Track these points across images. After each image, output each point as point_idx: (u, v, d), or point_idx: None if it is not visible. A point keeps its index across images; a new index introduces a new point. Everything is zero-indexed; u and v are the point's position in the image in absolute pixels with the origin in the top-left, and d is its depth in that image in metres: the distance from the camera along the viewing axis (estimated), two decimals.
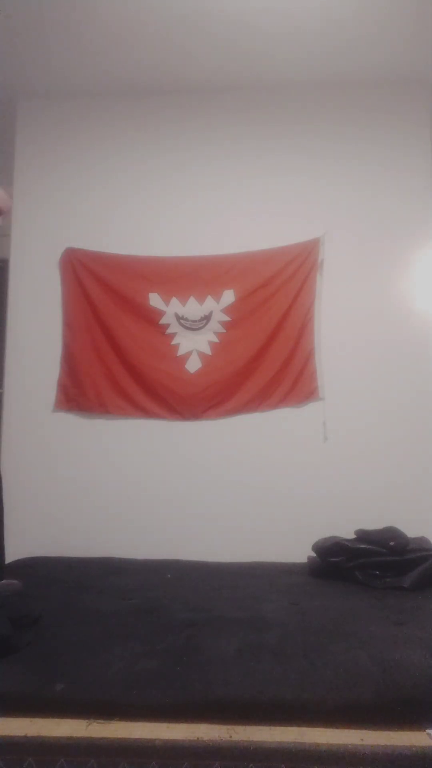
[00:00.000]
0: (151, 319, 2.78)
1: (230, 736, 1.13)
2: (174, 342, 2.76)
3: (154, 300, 2.78)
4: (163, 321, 2.77)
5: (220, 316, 2.77)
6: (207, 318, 2.77)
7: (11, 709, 1.20)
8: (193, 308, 2.77)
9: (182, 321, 2.78)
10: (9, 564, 2.30)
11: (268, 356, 2.73)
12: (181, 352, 2.76)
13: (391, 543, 2.07)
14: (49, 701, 1.21)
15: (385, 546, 2.07)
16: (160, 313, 2.77)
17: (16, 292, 2.88)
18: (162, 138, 2.91)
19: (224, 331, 2.76)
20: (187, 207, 2.84)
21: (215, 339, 2.76)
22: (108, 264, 2.82)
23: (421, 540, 2.17)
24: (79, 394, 2.77)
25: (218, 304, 2.77)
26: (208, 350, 2.75)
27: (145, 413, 2.73)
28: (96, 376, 2.77)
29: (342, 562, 2.09)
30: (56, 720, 1.18)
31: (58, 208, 2.90)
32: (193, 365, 2.75)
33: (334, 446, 2.65)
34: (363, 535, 2.16)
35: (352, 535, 2.19)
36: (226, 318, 2.76)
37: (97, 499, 2.70)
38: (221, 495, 2.66)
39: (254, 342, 2.73)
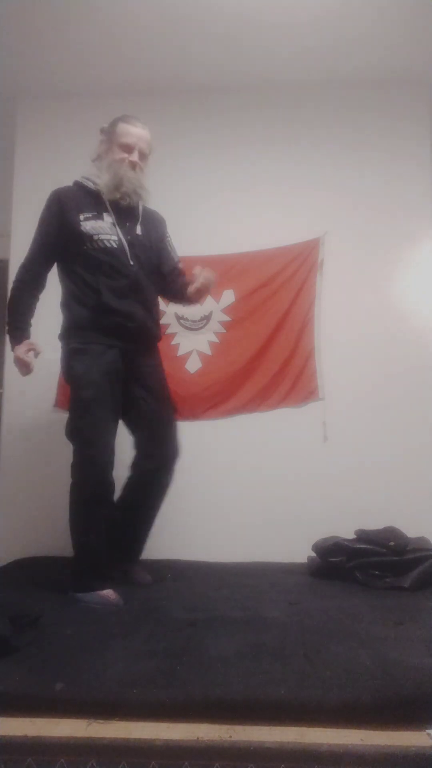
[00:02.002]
0: None
1: (230, 736, 1.13)
2: (174, 342, 2.76)
3: None
4: (162, 321, 2.76)
5: (220, 316, 2.77)
6: (207, 318, 2.77)
7: (11, 709, 1.19)
8: (192, 308, 2.77)
9: (182, 321, 2.78)
10: (8, 564, 2.30)
11: (268, 356, 2.73)
12: (181, 352, 2.76)
13: (391, 543, 2.07)
14: (49, 701, 1.21)
15: (385, 546, 2.07)
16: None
17: None
18: (161, 138, 2.89)
19: (224, 331, 2.76)
20: (187, 207, 2.84)
21: (215, 339, 2.76)
22: None
23: (421, 540, 2.17)
24: None
25: (218, 304, 2.77)
26: (208, 350, 2.76)
27: None
28: None
29: (342, 562, 2.09)
30: (56, 720, 1.17)
31: None
32: (193, 365, 2.75)
33: (334, 446, 2.65)
34: (363, 535, 2.16)
35: (352, 535, 2.19)
36: (226, 318, 2.76)
37: None
38: (221, 495, 2.66)
39: (254, 342, 2.73)
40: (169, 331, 2.77)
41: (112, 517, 1.95)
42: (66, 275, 2.08)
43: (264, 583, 2.03)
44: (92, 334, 2.00)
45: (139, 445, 2.09)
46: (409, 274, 2.75)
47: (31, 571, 2.20)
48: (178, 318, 2.77)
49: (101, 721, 1.17)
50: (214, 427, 2.73)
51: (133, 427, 2.11)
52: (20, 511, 2.72)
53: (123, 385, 2.02)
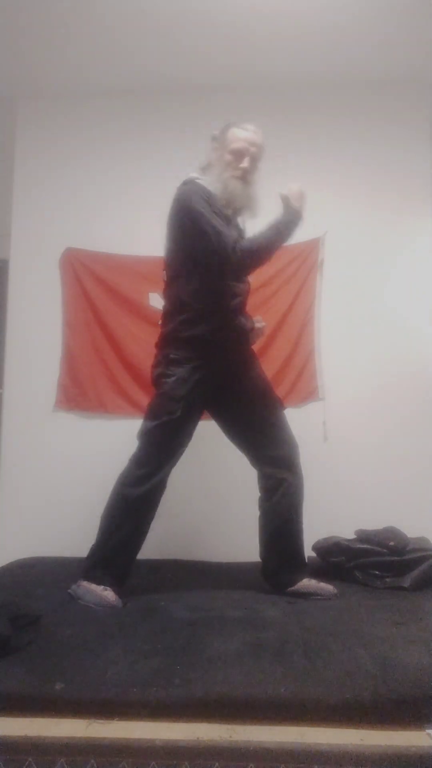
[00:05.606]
0: (151, 319, 2.77)
1: (230, 736, 1.13)
2: None
3: (154, 300, 2.77)
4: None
5: None
6: None
7: (11, 709, 1.20)
8: None
9: None
10: (8, 564, 2.30)
11: (268, 356, 2.72)
12: None
13: (391, 543, 2.07)
14: (49, 701, 1.21)
15: (385, 546, 2.07)
16: (161, 313, 2.76)
17: (16, 292, 2.88)
18: (162, 138, 2.91)
19: None
20: None
21: None
22: (108, 264, 2.82)
23: (421, 540, 2.17)
24: (79, 393, 2.77)
25: None
26: None
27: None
28: (96, 376, 2.77)
29: (342, 562, 2.09)
30: (56, 720, 1.18)
31: (58, 208, 2.90)
32: None
33: (334, 446, 2.65)
34: (363, 535, 2.16)
35: (352, 535, 2.19)
36: None
37: (97, 499, 2.69)
38: (221, 495, 2.66)
39: None
40: None
41: (140, 530, 1.95)
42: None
43: (264, 583, 2.03)
44: None
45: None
46: (409, 274, 2.75)
47: (31, 571, 2.20)
48: None
49: (101, 721, 1.17)
50: (214, 427, 2.73)
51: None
52: (20, 511, 2.73)
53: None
